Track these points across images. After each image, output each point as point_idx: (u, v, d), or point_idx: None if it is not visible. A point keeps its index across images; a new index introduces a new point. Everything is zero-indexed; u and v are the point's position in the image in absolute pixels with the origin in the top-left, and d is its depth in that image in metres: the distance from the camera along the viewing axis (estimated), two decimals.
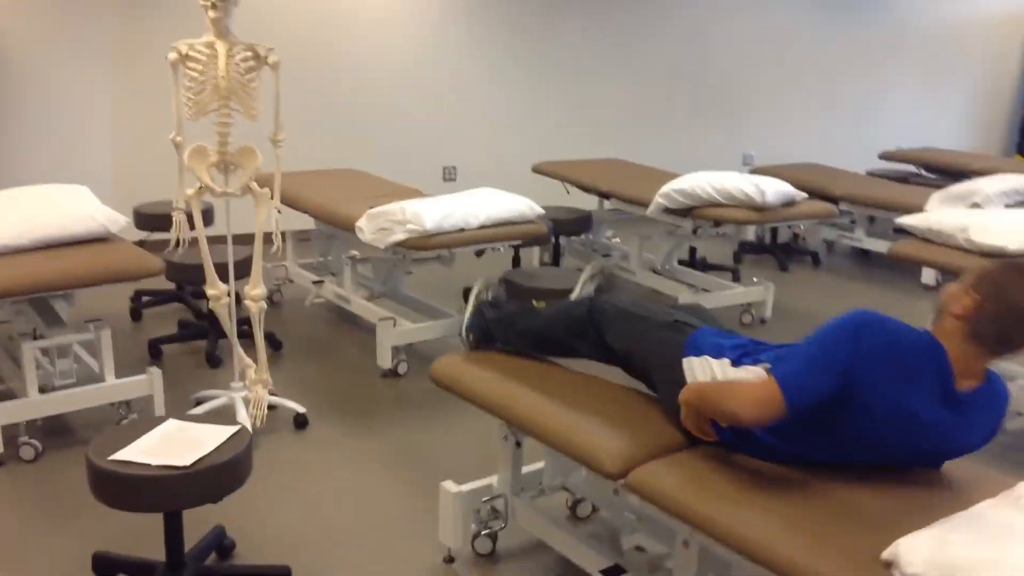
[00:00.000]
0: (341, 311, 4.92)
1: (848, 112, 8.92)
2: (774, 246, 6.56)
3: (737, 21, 8.03)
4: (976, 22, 9.55)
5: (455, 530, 2.70)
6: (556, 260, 5.59)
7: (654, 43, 7.63)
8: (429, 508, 2.94)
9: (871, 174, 7.48)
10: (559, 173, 5.69)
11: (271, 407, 3.51)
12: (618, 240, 6.06)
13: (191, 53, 3.03)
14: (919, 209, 5.70)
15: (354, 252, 4.64)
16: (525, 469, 2.71)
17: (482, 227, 3.93)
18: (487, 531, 2.75)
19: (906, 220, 3.85)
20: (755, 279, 5.10)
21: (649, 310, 2.46)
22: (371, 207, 4.02)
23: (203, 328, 4.31)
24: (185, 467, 2.16)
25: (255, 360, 3.36)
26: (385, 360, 4.11)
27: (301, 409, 3.60)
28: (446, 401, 3.87)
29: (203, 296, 3.36)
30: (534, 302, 2.66)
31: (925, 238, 3.77)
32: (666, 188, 4.65)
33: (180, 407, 3.58)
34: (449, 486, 2.70)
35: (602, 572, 2.31)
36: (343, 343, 4.58)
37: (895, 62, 9.09)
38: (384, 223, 3.88)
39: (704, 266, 5.89)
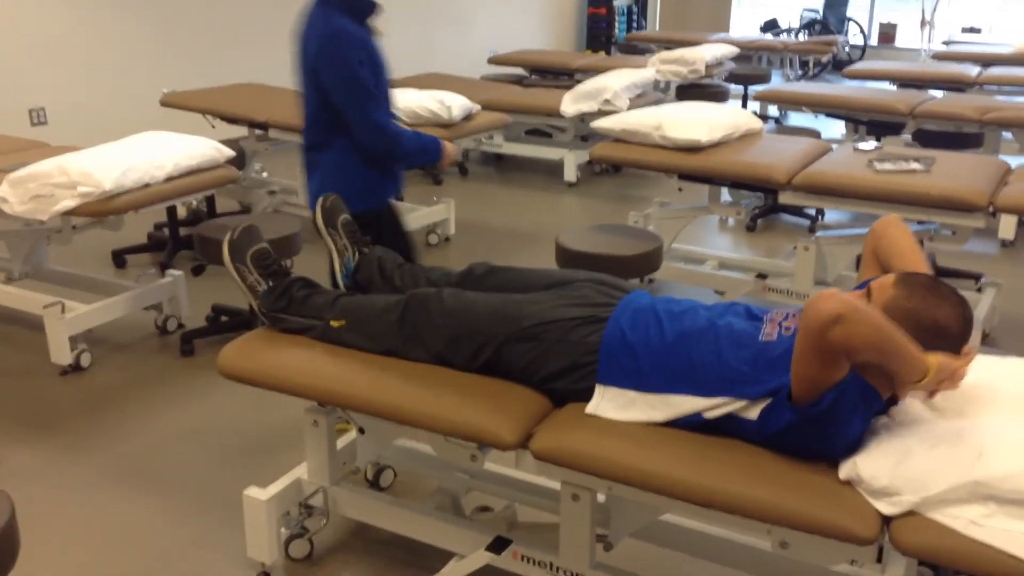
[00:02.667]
0: None
1: (446, 19, 9.00)
2: None
3: None
4: None
5: (269, 542, 2.30)
6: (211, 208, 4.94)
7: None
8: (205, 520, 2.47)
9: (485, 79, 7.65)
10: (197, 105, 5.01)
11: None
12: (267, 174, 5.56)
13: None
14: (554, 111, 5.96)
15: None
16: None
17: (170, 179, 3.31)
18: (302, 534, 2.38)
19: (600, 123, 3.93)
20: (435, 198, 4.97)
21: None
22: (4, 170, 3.19)
23: None
24: None
25: None
26: (62, 355, 3.36)
27: None
28: (153, 386, 3.28)
29: None
30: (332, 321, 2.20)
31: (620, 139, 3.89)
32: None
33: None
34: (256, 493, 2.28)
35: (488, 549, 2.09)
36: None
37: None
38: (39, 189, 3.10)
39: None
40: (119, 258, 4.52)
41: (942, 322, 1.70)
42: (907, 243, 1.98)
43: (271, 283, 2.23)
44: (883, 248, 1.99)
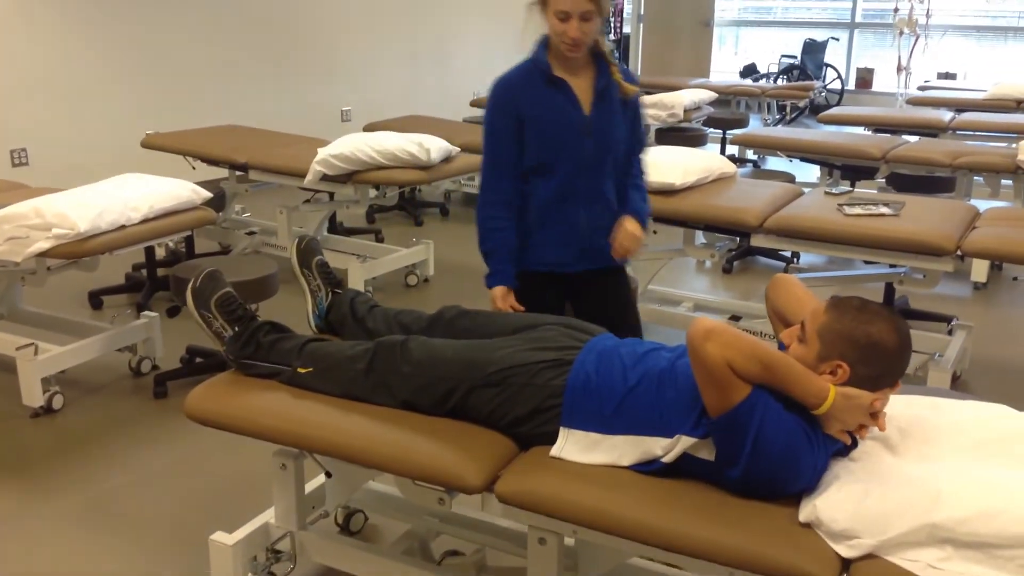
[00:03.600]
0: None
1: (431, 62, 9.10)
2: (405, 202, 6.51)
3: None
4: None
5: None
6: (190, 248, 4.96)
7: None
8: (173, 564, 2.45)
9: (468, 121, 7.72)
10: (178, 147, 5.04)
11: None
12: (248, 215, 5.58)
13: None
14: None
15: None
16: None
17: (146, 220, 3.32)
18: None
19: None
20: (415, 239, 5.00)
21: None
22: None
23: None
24: None
25: None
26: (33, 397, 3.34)
27: None
28: (125, 429, 3.27)
29: None
30: (299, 368, 2.20)
31: None
32: (323, 154, 4.33)
33: None
34: (222, 538, 2.26)
35: None
36: None
37: (462, 11, 9.43)
38: (15, 230, 3.11)
39: (345, 231, 5.66)
40: (96, 299, 4.51)
41: (876, 337, 1.71)
42: (800, 291, 2.03)
43: (237, 328, 2.23)
44: (780, 303, 2.04)
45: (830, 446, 1.73)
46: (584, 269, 2.56)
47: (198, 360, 3.77)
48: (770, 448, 1.66)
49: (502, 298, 2.49)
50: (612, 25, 11.51)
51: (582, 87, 2.46)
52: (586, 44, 2.38)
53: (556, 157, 2.45)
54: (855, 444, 1.79)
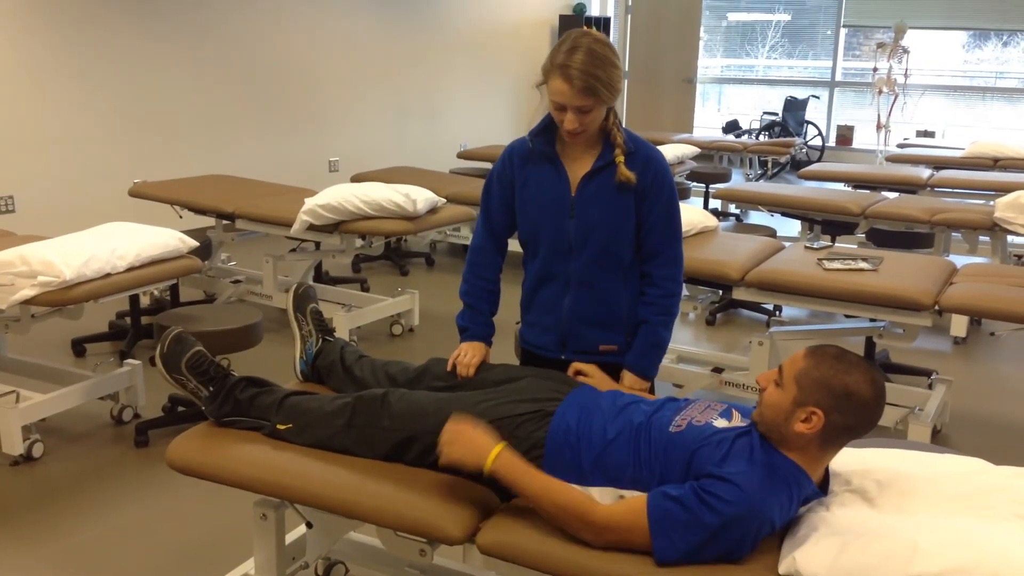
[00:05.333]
0: None
1: (419, 113, 9.21)
2: (391, 252, 6.55)
3: (298, 28, 7.83)
4: (510, 25, 10.44)
5: None
6: (175, 296, 4.95)
7: (217, 48, 7.13)
8: None
9: (455, 172, 7.80)
10: (165, 196, 5.06)
11: None
12: (235, 263, 5.60)
13: None
14: None
15: None
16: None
17: (131, 269, 3.33)
18: None
19: None
20: (400, 288, 5.02)
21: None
22: None
23: None
24: None
25: None
26: (14, 445, 3.31)
27: None
28: (105, 478, 3.24)
29: None
30: (279, 425, 2.20)
31: None
32: (310, 204, 4.37)
33: None
34: None
35: None
36: None
37: (450, 64, 9.58)
38: (1, 278, 3.11)
39: (330, 280, 5.68)
40: (79, 346, 4.50)
41: (852, 388, 1.74)
42: None
43: (212, 388, 2.23)
44: None
45: (797, 491, 1.76)
46: (569, 358, 2.37)
47: (180, 409, 3.75)
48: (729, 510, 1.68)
49: (463, 353, 2.31)
50: None
51: (579, 165, 2.28)
52: (588, 132, 2.21)
53: (538, 236, 2.33)
54: (824, 490, 1.83)
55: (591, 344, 2.37)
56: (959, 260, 3.95)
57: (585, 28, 2.23)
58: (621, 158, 2.23)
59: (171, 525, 2.97)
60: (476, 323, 2.42)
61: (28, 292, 3.08)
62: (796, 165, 10.32)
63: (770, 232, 5.44)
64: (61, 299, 3.12)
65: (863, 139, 11.52)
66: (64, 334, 4.61)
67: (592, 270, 2.31)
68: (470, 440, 1.84)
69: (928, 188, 6.36)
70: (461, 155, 8.27)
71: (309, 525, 2.27)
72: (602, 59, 2.10)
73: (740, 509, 1.66)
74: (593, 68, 2.09)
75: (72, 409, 3.58)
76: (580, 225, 2.28)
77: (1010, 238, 5.15)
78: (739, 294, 3.59)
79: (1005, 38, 11.14)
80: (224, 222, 5.05)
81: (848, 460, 1.96)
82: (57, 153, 6.06)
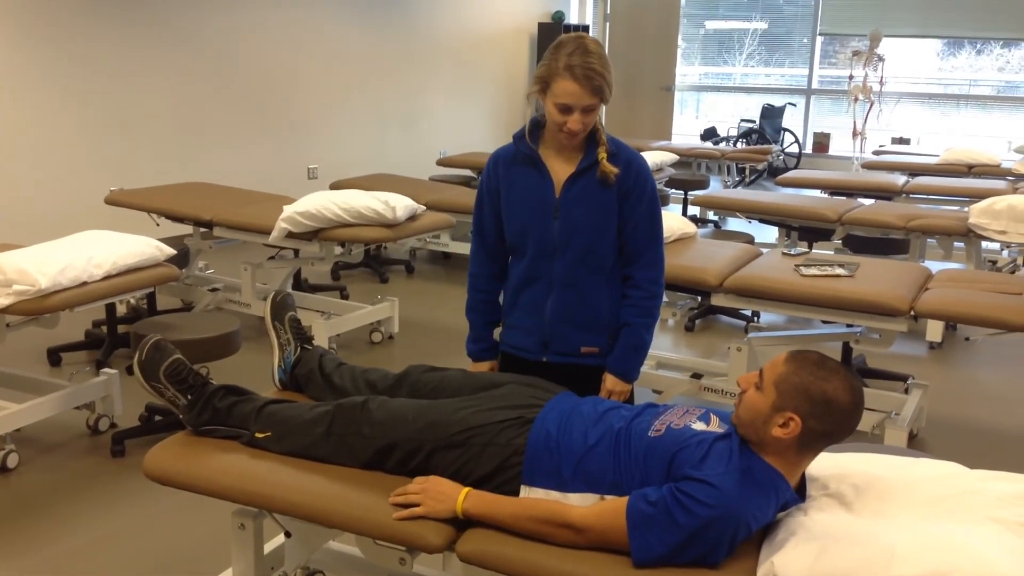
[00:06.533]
0: None
1: (399, 121, 9.20)
2: (370, 260, 6.53)
3: (277, 36, 7.81)
4: (490, 33, 10.46)
5: None
6: (152, 305, 4.91)
7: (194, 55, 7.10)
8: None
9: (434, 179, 7.80)
10: (142, 204, 5.03)
11: None
12: (213, 271, 5.57)
13: None
14: None
15: None
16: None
17: (108, 277, 3.31)
18: None
19: None
20: (379, 296, 5.01)
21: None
22: None
23: None
24: None
25: None
26: None
27: None
28: (81, 488, 3.21)
29: None
30: (258, 433, 2.20)
31: None
32: (289, 212, 4.35)
33: None
34: None
35: None
36: None
37: (429, 72, 9.58)
38: None
39: (310, 288, 5.66)
40: (54, 355, 4.45)
41: (831, 395, 1.76)
42: None
43: (190, 397, 2.21)
44: None
45: (775, 495, 1.77)
46: (550, 361, 2.40)
47: (157, 418, 3.72)
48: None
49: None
50: None
51: (562, 167, 2.31)
52: (585, 133, 2.25)
53: (524, 238, 2.35)
54: (801, 496, 1.84)
55: (573, 346, 2.39)
56: (934, 266, 3.99)
57: (579, 33, 2.27)
58: (604, 155, 2.27)
59: (148, 536, 2.95)
60: (477, 344, 2.51)
61: (3, 301, 3.05)
62: (773, 172, 10.40)
63: (748, 238, 5.48)
64: (36, 308, 3.09)
65: (839, 146, 11.62)
66: (39, 343, 4.57)
67: (575, 272, 2.34)
68: (437, 492, 1.87)
69: (904, 195, 6.43)
70: (441, 162, 8.27)
71: (288, 534, 2.26)
72: (605, 60, 2.19)
73: (716, 511, 1.67)
74: (600, 68, 2.16)
75: (48, 419, 3.55)
76: (564, 226, 2.30)
77: (984, 244, 5.21)
78: (718, 300, 3.61)
79: (979, 46, 11.28)
80: (202, 230, 5.02)
81: (825, 464, 1.97)
82: (33, 160, 6.00)
